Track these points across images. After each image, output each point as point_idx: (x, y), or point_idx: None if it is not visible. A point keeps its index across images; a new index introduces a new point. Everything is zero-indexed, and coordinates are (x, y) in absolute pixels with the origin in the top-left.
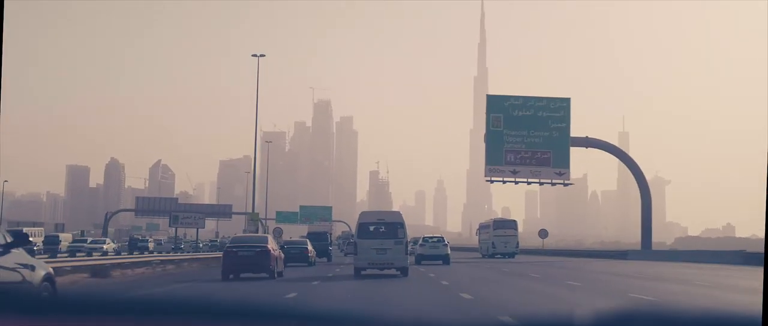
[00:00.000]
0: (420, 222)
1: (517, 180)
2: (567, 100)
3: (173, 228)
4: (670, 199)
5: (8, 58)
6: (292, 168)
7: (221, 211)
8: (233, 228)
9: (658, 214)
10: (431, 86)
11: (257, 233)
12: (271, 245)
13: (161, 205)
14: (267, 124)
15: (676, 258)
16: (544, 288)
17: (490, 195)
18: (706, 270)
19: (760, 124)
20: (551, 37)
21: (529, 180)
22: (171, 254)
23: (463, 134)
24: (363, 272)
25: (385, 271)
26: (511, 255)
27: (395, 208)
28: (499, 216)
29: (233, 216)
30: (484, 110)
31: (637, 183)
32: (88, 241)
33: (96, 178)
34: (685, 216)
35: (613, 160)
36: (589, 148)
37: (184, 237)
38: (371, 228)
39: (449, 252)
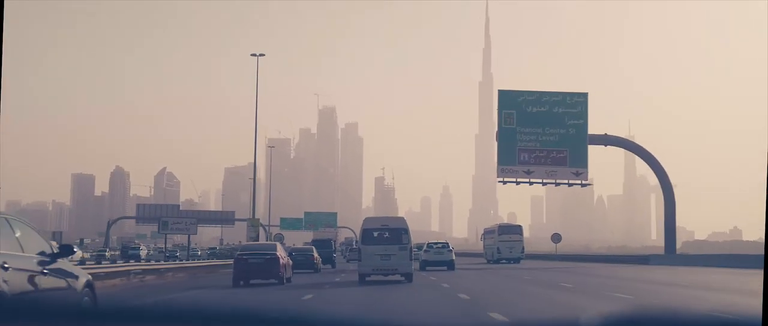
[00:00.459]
0: (426, 228)
1: (532, 180)
2: (584, 95)
3: (184, 235)
4: (677, 204)
5: (14, 68)
6: (297, 175)
7: (224, 218)
8: (237, 235)
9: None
10: (436, 92)
11: (257, 239)
12: (280, 252)
13: (163, 212)
14: (272, 130)
15: (701, 262)
16: (589, 301)
17: (496, 201)
18: (750, 276)
19: (765, 126)
20: (556, 42)
21: (545, 180)
22: (154, 263)
23: (469, 139)
24: (367, 278)
25: (390, 277)
26: (517, 260)
27: (401, 214)
28: (505, 221)
29: (236, 222)
30: (490, 115)
31: (661, 183)
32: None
33: (101, 186)
34: (691, 220)
35: (620, 164)
36: (608, 147)
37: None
38: (375, 234)
39: (454, 257)
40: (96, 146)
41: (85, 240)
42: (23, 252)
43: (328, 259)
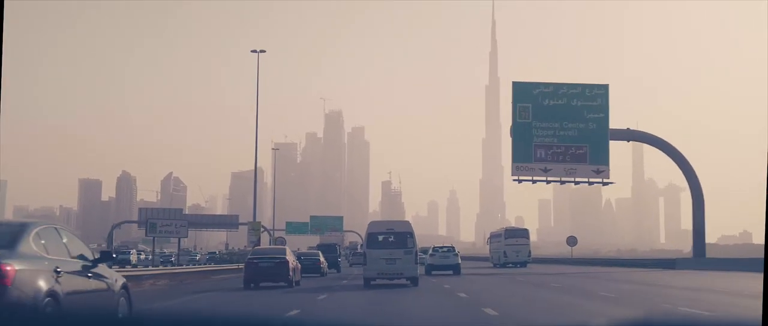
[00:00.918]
0: (433, 232)
1: (549, 179)
2: (604, 87)
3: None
4: (685, 207)
5: (21, 74)
6: (303, 180)
7: (228, 222)
8: (243, 240)
9: (673, 222)
10: (443, 96)
11: (259, 243)
12: (290, 257)
13: (166, 216)
14: (278, 135)
15: (731, 267)
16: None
17: (503, 205)
18: None
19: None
20: (562, 45)
21: (563, 179)
22: (130, 268)
23: (476, 143)
24: (372, 282)
25: (395, 281)
26: (523, 264)
27: (408, 219)
28: (513, 225)
29: (240, 226)
30: (497, 118)
31: (688, 182)
32: None
33: (108, 191)
34: None
35: (628, 167)
36: (631, 142)
37: (194, 248)
38: (380, 237)
39: (460, 262)
40: (103, 151)
41: (91, 246)
42: (70, 257)
43: (333, 264)
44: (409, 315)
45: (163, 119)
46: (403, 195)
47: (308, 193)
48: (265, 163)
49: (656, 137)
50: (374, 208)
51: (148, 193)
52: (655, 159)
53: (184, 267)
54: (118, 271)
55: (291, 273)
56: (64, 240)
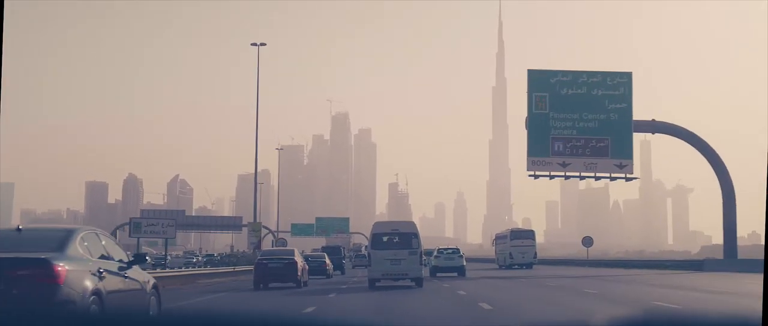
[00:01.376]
0: (440, 234)
1: (568, 174)
2: (628, 75)
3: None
4: (693, 208)
5: (26, 77)
6: (310, 182)
7: (232, 223)
8: (246, 241)
9: (681, 223)
10: (450, 97)
11: (260, 245)
12: (298, 258)
13: (168, 218)
14: (285, 137)
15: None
16: None
17: (510, 207)
18: None
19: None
20: (568, 46)
21: (583, 174)
22: None
23: (483, 145)
24: (377, 283)
25: (400, 282)
26: (529, 265)
27: (415, 221)
28: (520, 227)
29: (244, 228)
30: (503, 119)
31: (719, 178)
32: None
33: (114, 194)
34: (708, 224)
35: (636, 168)
36: (656, 134)
37: (199, 250)
38: (385, 238)
39: (465, 263)
40: (109, 154)
41: None
42: (109, 259)
43: (337, 265)
44: (414, 315)
45: (170, 121)
46: (410, 196)
47: (315, 195)
48: (273, 166)
49: (684, 129)
50: (381, 210)
51: (155, 196)
52: (663, 159)
53: (166, 270)
54: None
55: (299, 274)
56: (103, 243)
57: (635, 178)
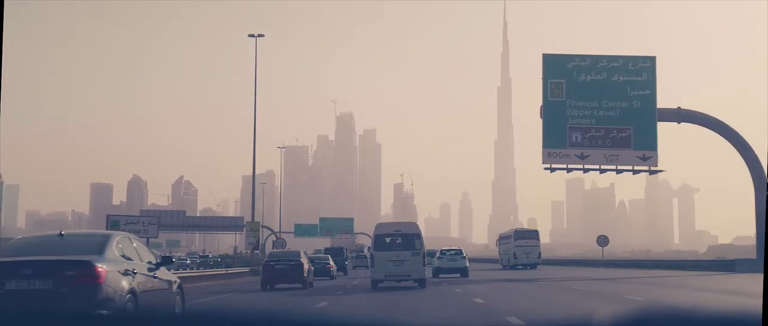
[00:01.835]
0: (445, 234)
1: (587, 167)
2: (651, 59)
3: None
4: (699, 207)
5: (30, 80)
6: (315, 182)
7: (232, 224)
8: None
9: (687, 223)
10: (454, 97)
11: (258, 246)
12: (304, 259)
13: (168, 219)
14: (289, 138)
15: None
16: None
17: (516, 207)
18: None
19: None
20: (574, 46)
21: (603, 166)
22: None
23: (488, 145)
24: (380, 284)
25: (402, 283)
26: (533, 266)
27: (420, 221)
28: (526, 227)
29: (244, 228)
30: (508, 119)
31: (751, 172)
32: None
33: (119, 196)
34: (714, 224)
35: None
36: (681, 123)
37: (203, 251)
38: (387, 239)
39: (467, 264)
40: (114, 155)
41: None
42: (141, 261)
43: (340, 267)
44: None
45: (175, 123)
46: (416, 197)
47: (320, 196)
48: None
49: (712, 118)
50: (386, 211)
51: (160, 197)
52: (668, 159)
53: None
54: None
55: (305, 275)
56: (135, 246)
57: (660, 171)
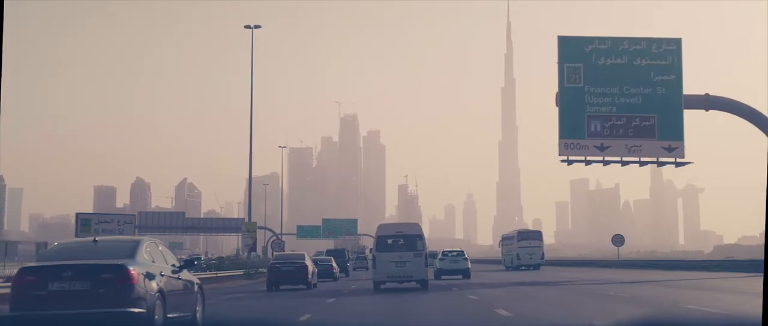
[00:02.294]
0: (450, 235)
1: (607, 159)
2: (677, 42)
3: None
4: (704, 207)
5: (32, 83)
6: (319, 184)
7: (232, 225)
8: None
9: (692, 223)
10: (458, 98)
11: (255, 247)
12: (308, 262)
13: (167, 221)
14: (293, 140)
15: None
16: None
17: (520, 208)
18: None
19: None
20: None
21: (625, 158)
22: None
23: (492, 146)
24: (382, 286)
25: (405, 284)
26: (537, 266)
27: (425, 222)
28: (530, 228)
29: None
30: (512, 120)
31: None
32: None
33: (123, 198)
34: (719, 224)
35: (646, 169)
36: (710, 111)
37: (206, 253)
38: (389, 240)
39: (470, 266)
40: (117, 158)
41: None
42: (166, 264)
43: (343, 268)
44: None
45: (178, 125)
46: (420, 198)
47: (324, 198)
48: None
49: (743, 105)
50: (391, 212)
51: (163, 199)
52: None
53: None
54: None
55: (310, 276)
56: (160, 250)
57: (687, 163)
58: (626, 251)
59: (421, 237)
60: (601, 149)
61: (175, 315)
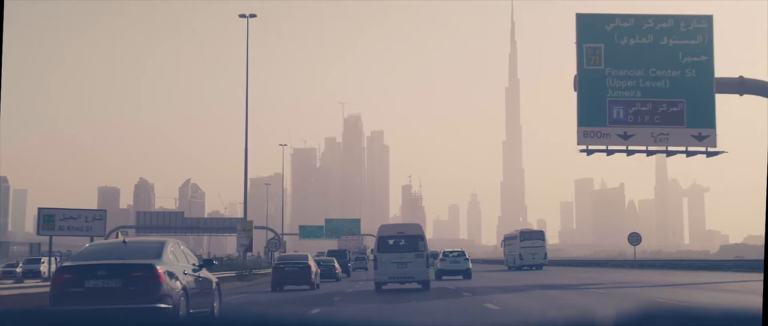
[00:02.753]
0: (454, 236)
1: (631, 148)
2: (708, 19)
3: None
4: (709, 207)
5: (37, 84)
6: (323, 185)
7: (229, 226)
8: (260, 242)
9: (697, 222)
10: (462, 98)
11: (251, 247)
12: (311, 262)
13: (165, 220)
14: (297, 140)
15: None
16: None
17: (525, 208)
18: None
19: None
20: None
21: (650, 147)
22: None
23: (496, 146)
24: (384, 287)
25: (406, 285)
26: (539, 266)
27: (429, 223)
28: (535, 228)
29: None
30: (516, 120)
31: None
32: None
33: (126, 199)
34: (725, 223)
35: (651, 169)
36: (744, 95)
37: (208, 254)
38: (391, 241)
39: (470, 266)
40: (120, 159)
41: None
42: (187, 263)
43: (344, 269)
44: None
45: (181, 126)
46: (424, 199)
47: (328, 198)
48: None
49: None
50: (395, 213)
51: (167, 200)
52: (678, 158)
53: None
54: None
55: (313, 277)
56: (182, 249)
57: (720, 153)
58: (631, 250)
59: (422, 237)
60: (625, 138)
61: (196, 310)
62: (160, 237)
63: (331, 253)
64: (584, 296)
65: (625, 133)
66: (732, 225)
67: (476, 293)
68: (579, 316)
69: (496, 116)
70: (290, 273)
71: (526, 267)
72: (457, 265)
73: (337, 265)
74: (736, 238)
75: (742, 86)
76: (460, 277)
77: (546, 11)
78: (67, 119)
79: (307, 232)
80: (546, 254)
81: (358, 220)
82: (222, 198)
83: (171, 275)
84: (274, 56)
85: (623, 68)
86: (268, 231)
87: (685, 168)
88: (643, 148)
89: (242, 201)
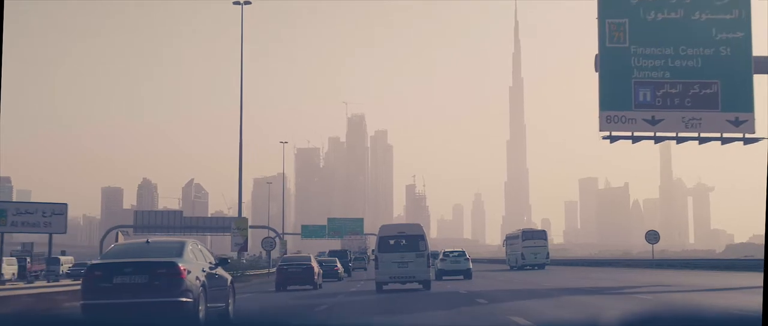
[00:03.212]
0: (458, 235)
1: (659, 134)
2: None
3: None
4: (714, 206)
5: (40, 85)
6: (327, 185)
7: (228, 225)
8: (256, 244)
9: (702, 222)
10: (466, 97)
11: (246, 247)
12: (314, 263)
13: (163, 220)
14: (301, 140)
15: None
16: None
17: (529, 207)
18: None
19: None
20: (585, 45)
21: (681, 134)
22: None
23: (500, 146)
24: (385, 287)
25: (407, 285)
26: (541, 266)
27: (433, 223)
28: (539, 227)
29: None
30: (520, 119)
31: None
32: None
33: (129, 199)
34: (730, 223)
35: (656, 168)
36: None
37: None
38: (392, 241)
39: (471, 266)
40: (124, 159)
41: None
42: (205, 261)
43: (345, 269)
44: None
45: (184, 126)
46: (428, 198)
47: (332, 198)
48: (290, 169)
49: None
50: (399, 212)
51: (170, 200)
52: (683, 157)
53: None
54: None
55: (316, 277)
56: (200, 248)
57: (759, 139)
58: (637, 251)
59: (423, 237)
60: (652, 123)
61: (213, 305)
62: (180, 237)
63: (332, 253)
64: (630, 302)
65: (653, 117)
66: (737, 225)
67: (494, 300)
68: None
69: (500, 115)
70: (294, 273)
71: (528, 267)
72: (457, 265)
73: (339, 265)
74: (741, 238)
75: None
76: (461, 277)
77: (550, 10)
78: (70, 119)
79: (309, 232)
80: (548, 253)
81: (361, 220)
82: (225, 198)
83: (191, 272)
84: (278, 56)
85: (650, 46)
86: (269, 231)
87: (690, 167)
88: (673, 134)
89: (245, 201)
